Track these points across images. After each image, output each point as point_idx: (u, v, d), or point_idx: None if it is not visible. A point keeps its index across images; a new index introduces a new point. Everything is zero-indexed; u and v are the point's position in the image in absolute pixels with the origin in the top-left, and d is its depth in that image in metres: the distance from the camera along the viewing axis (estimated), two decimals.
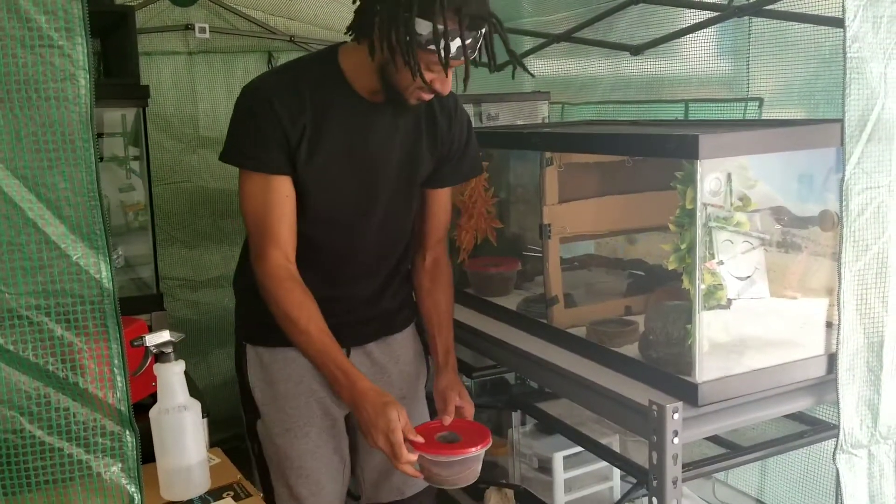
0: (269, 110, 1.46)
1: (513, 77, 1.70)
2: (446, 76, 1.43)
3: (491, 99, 2.40)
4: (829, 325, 1.59)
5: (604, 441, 1.96)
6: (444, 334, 1.70)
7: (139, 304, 2.16)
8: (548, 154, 1.81)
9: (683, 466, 1.44)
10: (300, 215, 1.53)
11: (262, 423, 1.67)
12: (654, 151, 1.57)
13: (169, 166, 3.43)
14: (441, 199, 1.72)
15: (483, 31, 1.41)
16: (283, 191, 1.50)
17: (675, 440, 1.40)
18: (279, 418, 1.64)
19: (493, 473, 2.22)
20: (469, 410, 1.59)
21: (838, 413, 1.51)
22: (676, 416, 1.40)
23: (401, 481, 1.72)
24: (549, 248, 1.84)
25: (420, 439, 1.41)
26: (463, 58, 1.38)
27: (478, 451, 1.46)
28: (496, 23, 1.44)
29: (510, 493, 2.04)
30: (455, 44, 1.36)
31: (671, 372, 1.49)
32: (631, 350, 1.65)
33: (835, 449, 1.52)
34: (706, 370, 1.44)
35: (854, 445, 1.53)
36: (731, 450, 1.64)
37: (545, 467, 2.06)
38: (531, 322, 1.93)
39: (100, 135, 2.44)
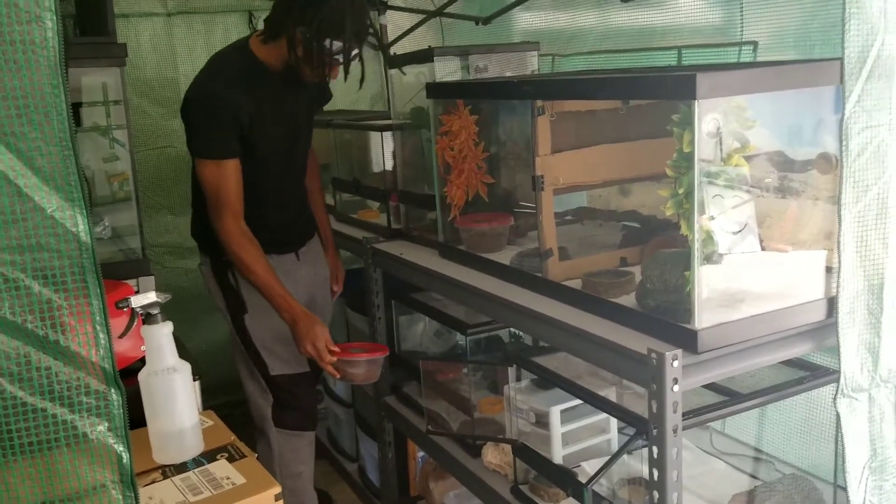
0: (224, 111, 2.07)
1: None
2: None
3: (478, 51, 2.34)
4: (828, 269, 1.56)
5: (601, 393, 1.94)
6: (325, 225, 2.58)
7: (125, 269, 2.12)
8: (539, 103, 1.76)
9: (683, 415, 1.42)
10: (254, 168, 2.16)
11: (249, 316, 2.27)
12: (650, 93, 1.53)
13: (151, 131, 3.37)
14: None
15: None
16: (234, 170, 2.11)
17: (675, 388, 1.38)
18: (263, 304, 2.18)
19: (490, 430, 2.21)
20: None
21: (838, 357, 1.49)
22: (676, 363, 1.37)
23: None
24: (543, 200, 1.80)
25: (337, 349, 2.10)
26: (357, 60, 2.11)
27: (373, 357, 2.14)
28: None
29: (507, 447, 2.02)
30: (354, 52, 2.08)
31: (669, 320, 1.47)
32: (628, 301, 1.62)
33: (835, 393, 1.50)
34: (705, 317, 1.41)
35: (855, 389, 1.52)
36: (728, 397, 1.62)
37: (542, 422, 2.04)
38: (525, 276, 1.90)
39: (79, 103, 2.36)
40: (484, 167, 2.17)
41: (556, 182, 1.80)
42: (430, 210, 2.40)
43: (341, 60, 2.06)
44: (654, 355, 1.39)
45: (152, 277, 2.16)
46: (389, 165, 2.61)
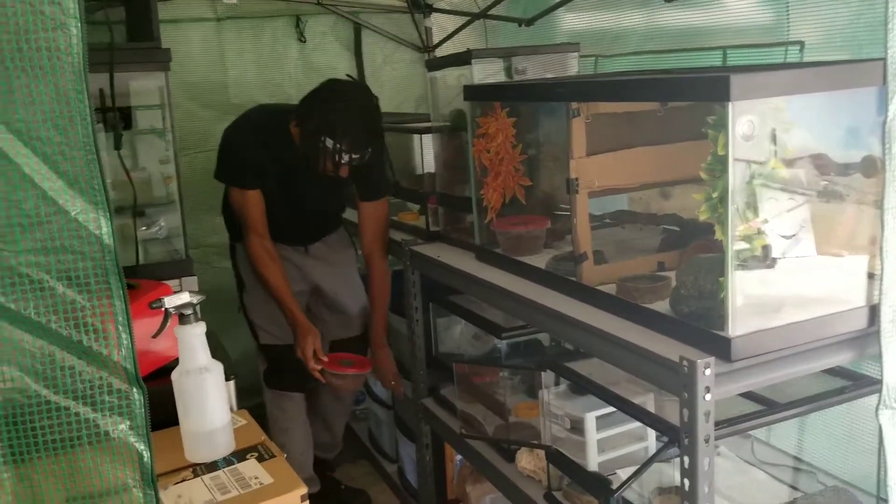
0: (248, 154, 2.43)
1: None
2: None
3: (518, 52, 2.33)
4: (870, 276, 1.51)
5: (637, 400, 1.91)
6: (377, 317, 2.70)
7: (168, 269, 2.16)
8: (574, 105, 1.74)
9: (716, 424, 1.39)
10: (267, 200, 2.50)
11: (246, 293, 2.64)
12: (684, 95, 1.50)
13: (201, 133, 3.43)
14: (365, 212, 2.61)
15: (368, 151, 2.36)
16: (256, 198, 2.46)
17: (707, 396, 1.35)
18: (259, 285, 2.54)
19: (525, 434, 2.19)
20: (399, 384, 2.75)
21: (881, 367, 1.44)
22: (708, 371, 1.34)
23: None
24: (578, 203, 1.78)
25: (325, 359, 2.45)
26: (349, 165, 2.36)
27: (354, 373, 2.50)
28: (378, 147, 2.45)
29: (542, 453, 2.01)
30: (346, 157, 2.32)
31: (703, 327, 1.43)
32: (662, 306, 1.59)
33: (877, 404, 1.45)
34: (739, 324, 1.37)
35: None
36: (767, 407, 1.57)
37: (577, 428, 2.02)
38: (560, 280, 1.88)
39: (130, 106, 2.41)
40: (521, 169, 2.15)
41: (591, 185, 1.78)
42: (468, 213, 2.39)
43: (340, 161, 2.30)
44: (685, 363, 1.36)
45: (195, 278, 2.20)
46: (429, 168, 2.61)
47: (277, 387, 2.64)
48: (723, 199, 1.37)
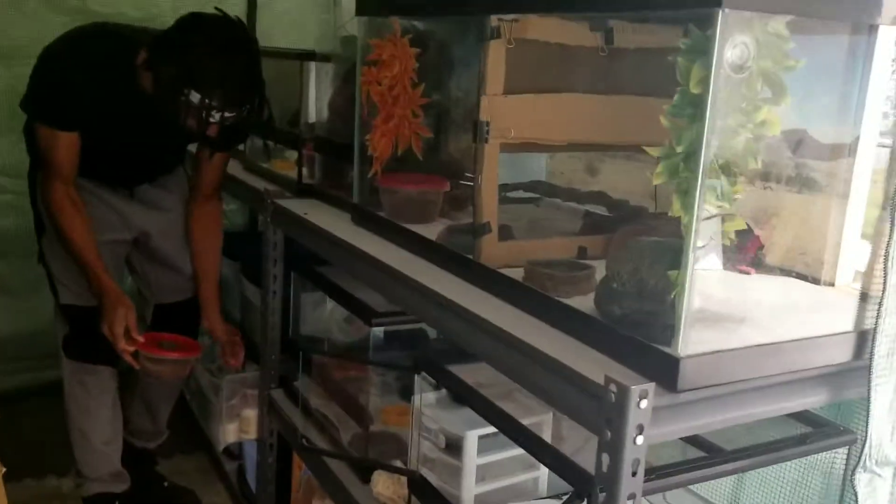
0: (71, 84, 1.85)
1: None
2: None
3: None
4: (862, 295, 1.12)
5: (530, 420, 1.49)
6: (209, 284, 2.19)
7: None
8: (494, 21, 1.29)
9: (645, 476, 0.96)
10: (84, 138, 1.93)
11: (46, 237, 2.08)
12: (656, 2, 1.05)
13: (29, 40, 2.77)
14: (213, 160, 2.07)
15: (245, 108, 1.82)
16: (68, 141, 1.91)
17: (639, 439, 0.92)
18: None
19: (389, 448, 1.74)
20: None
21: (867, 414, 1.06)
22: (644, 403, 0.92)
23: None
24: (486, 156, 1.33)
25: (141, 339, 1.92)
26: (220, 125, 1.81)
27: (176, 358, 2.00)
28: (258, 104, 1.85)
29: (403, 479, 1.56)
30: (217, 115, 1.76)
31: (641, 338, 1.01)
32: (584, 303, 1.17)
33: (856, 464, 1.07)
34: (694, 339, 0.95)
35: (880, 462, 1.09)
36: (705, 451, 1.17)
37: (455, 447, 1.58)
38: (453, 257, 1.43)
39: None
40: (420, 116, 1.69)
41: (505, 133, 1.33)
42: (351, 166, 1.91)
43: (208, 119, 1.77)
44: (613, 388, 0.93)
45: None
46: (310, 107, 2.12)
47: (79, 357, 2.08)
48: (690, 158, 0.95)
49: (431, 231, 1.61)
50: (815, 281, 1.22)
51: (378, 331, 1.69)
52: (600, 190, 1.68)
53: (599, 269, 1.28)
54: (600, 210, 1.68)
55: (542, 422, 1.57)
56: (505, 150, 1.35)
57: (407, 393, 1.91)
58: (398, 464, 1.66)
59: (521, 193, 1.81)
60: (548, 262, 1.32)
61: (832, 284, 1.22)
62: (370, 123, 1.72)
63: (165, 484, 2.44)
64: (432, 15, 1.60)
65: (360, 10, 1.69)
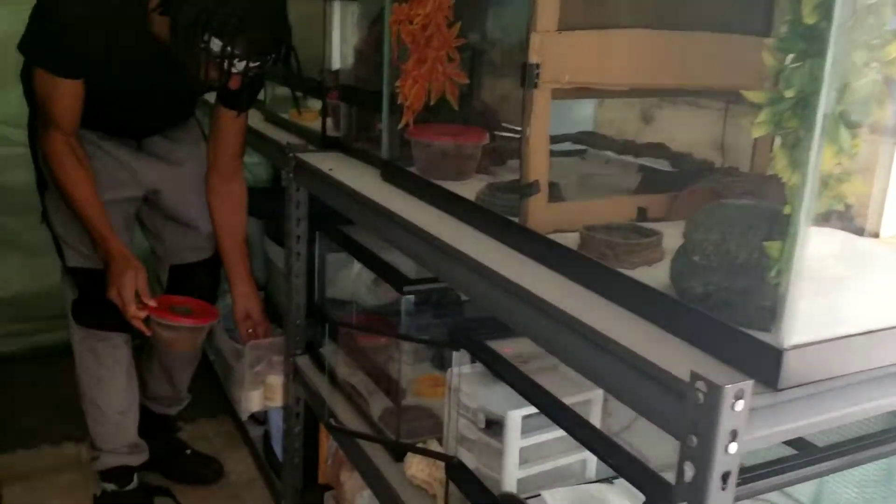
0: (76, 26, 1.66)
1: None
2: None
3: None
4: None
5: (577, 398, 1.34)
6: (234, 257, 2.02)
7: None
8: None
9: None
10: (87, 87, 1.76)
11: (49, 193, 1.92)
12: None
13: None
14: (232, 123, 1.92)
15: (271, 57, 1.66)
16: (71, 89, 1.74)
17: (732, 447, 0.76)
18: None
19: (423, 424, 1.60)
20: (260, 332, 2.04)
21: None
22: (740, 405, 0.75)
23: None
24: (535, 103, 1.15)
25: (153, 303, 1.76)
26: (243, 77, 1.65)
27: (191, 325, 1.81)
28: (285, 52, 1.70)
29: (440, 463, 1.42)
30: (240, 65, 1.61)
31: (731, 322, 0.84)
32: (653, 277, 1.00)
33: None
34: (801, 326, 0.78)
35: None
36: (798, 450, 1.01)
37: (495, 428, 1.44)
38: (496, 220, 1.26)
39: None
40: (457, 59, 1.50)
41: (558, 77, 1.15)
42: (380, 115, 1.74)
43: (230, 69, 1.61)
44: (701, 386, 0.76)
45: None
46: (335, 52, 1.94)
47: (90, 324, 1.95)
48: (803, 104, 0.76)
49: (469, 189, 1.44)
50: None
51: (409, 298, 1.53)
52: (659, 141, 1.49)
53: (667, 235, 1.12)
54: (659, 165, 1.50)
55: (592, 399, 1.42)
56: (557, 97, 1.17)
57: (441, 361, 1.77)
58: (433, 443, 1.52)
59: (568, 146, 1.63)
60: (607, 227, 1.15)
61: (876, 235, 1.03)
62: (400, 68, 1.54)
63: (188, 452, 2.34)
64: None
65: None
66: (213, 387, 2.65)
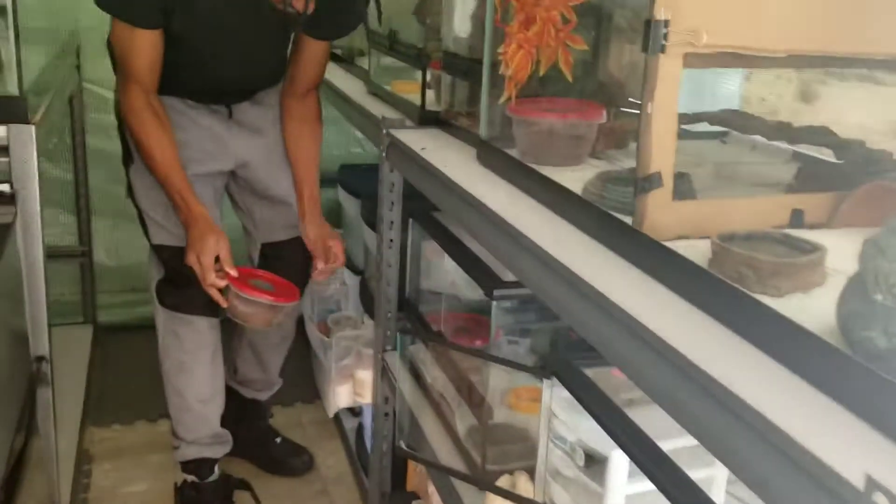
0: None
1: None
2: None
3: None
4: None
5: (698, 473, 1.06)
6: (308, 183, 1.86)
7: None
8: None
9: None
10: (172, 43, 1.66)
11: (134, 167, 1.81)
12: None
13: None
14: (314, 50, 1.80)
15: None
16: (149, 41, 1.63)
17: None
18: None
19: (513, 450, 1.38)
20: (339, 260, 1.88)
21: None
22: None
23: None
24: (662, 71, 0.89)
25: (234, 272, 1.66)
26: None
27: (270, 302, 1.67)
28: None
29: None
30: None
31: None
32: (809, 311, 0.73)
33: None
34: None
35: None
36: None
37: (596, 467, 1.19)
38: (603, 219, 1.01)
39: None
40: (572, 21, 1.25)
41: (693, 39, 0.88)
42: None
43: None
44: (880, 500, 0.50)
45: (31, 128, 1.40)
46: (436, 15, 1.72)
47: (174, 306, 1.84)
48: None
49: (578, 178, 1.20)
50: None
51: (502, 305, 1.31)
52: (823, 126, 1.19)
53: (830, 240, 0.84)
54: (822, 154, 1.19)
55: (713, 477, 1.13)
56: (692, 66, 0.91)
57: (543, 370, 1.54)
58: (523, 478, 1.30)
59: (704, 127, 1.34)
60: (748, 236, 0.88)
61: None
62: (503, 32, 1.31)
63: (278, 440, 2.23)
64: None
65: None
66: (311, 371, 2.53)
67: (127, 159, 1.84)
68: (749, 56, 0.92)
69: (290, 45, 1.84)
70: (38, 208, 1.41)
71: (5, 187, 1.36)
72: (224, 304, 1.68)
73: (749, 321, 0.75)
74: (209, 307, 1.81)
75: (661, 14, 0.87)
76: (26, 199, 1.39)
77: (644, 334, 0.77)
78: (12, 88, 1.39)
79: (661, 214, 0.93)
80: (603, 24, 1.39)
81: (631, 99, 1.43)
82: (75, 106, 2.54)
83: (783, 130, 1.18)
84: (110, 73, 1.80)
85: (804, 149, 1.21)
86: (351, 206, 2.32)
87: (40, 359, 1.48)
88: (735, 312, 0.77)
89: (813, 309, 0.74)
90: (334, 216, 2.58)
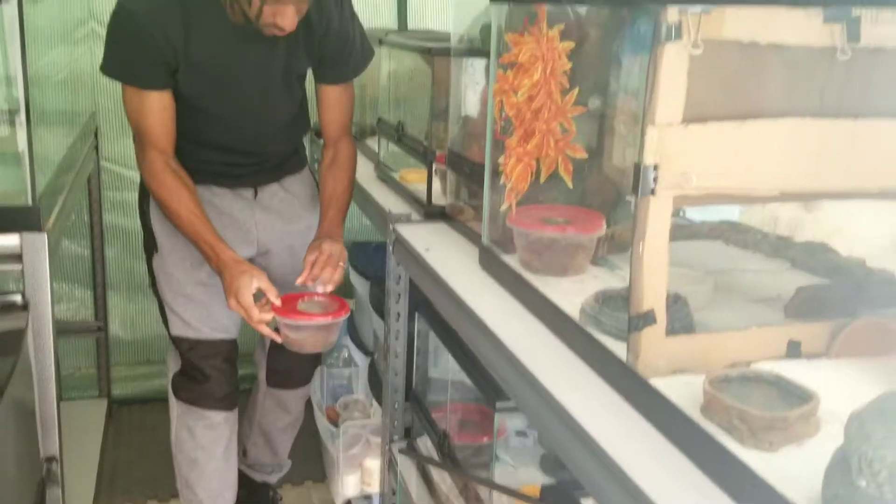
0: (142, 31, 1.56)
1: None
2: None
3: None
4: None
5: None
6: (331, 211, 1.77)
7: None
8: (671, 14, 0.84)
9: None
10: (182, 106, 1.67)
11: (157, 258, 1.81)
12: None
13: None
14: (331, 95, 1.81)
15: None
16: (158, 102, 1.64)
17: None
18: (176, 250, 1.77)
19: None
20: (332, 273, 1.65)
21: None
22: None
23: None
24: (652, 213, 0.90)
25: (278, 301, 1.58)
26: None
27: (322, 321, 1.59)
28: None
29: None
30: None
31: None
32: (801, 469, 0.72)
33: None
34: None
35: None
36: None
37: None
38: (598, 350, 1.01)
39: None
40: (572, 131, 1.27)
41: (682, 182, 0.89)
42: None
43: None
44: None
45: (44, 236, 1.43)
46: (442, 111, 1.75)
47: (189, 400, 1.83)
48: None
49: (579, 290, 1.20)
50: None
51: (504, 417, 1.31)
52: (821, 241, 1.18)
53: (825, 374, 0.84)
54: (820, 270, 1.18)
55: None
56: (681, 205, 0.92)
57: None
58: None
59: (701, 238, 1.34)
60: (742, 378, 0.88)
61: None
62: (502, 142, 1.33)
63: None
64: (584, 2, 1.17)
65: None
66: (321, 450, 2.52)
67: (150, 249, 1.82)
68: (738, 195, 0.93)
69: (302, 93, 1.83)
70: (50, 315, 1.43)
71: (17, 297, 1.39)
72: (278, 339, 1.62)
73: (739, 481, 0.74)
74: (226, 400, 1.80)
75: (650, 160, 0.88)
76: (38, 306, 1.41)
77: (634, 492, 0.77)
78: (26, 198, 1.43)
79: (654, 352, 0.93)
80: (601, 128, 1.41)
81: (629, 198, 1.44)
82: (93, 184, 2.59)
83: (781, 248, 1.18)
84: (126, 150, 1.83)
85: (803, 270, 1.20)
86: (360, 285, 2.33)
87: (50, 459, 1.49)
88: (726, 469, 0.76)
89: (803, 468, 0.74)
90: (346, 293, 2.59)
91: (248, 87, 1.69)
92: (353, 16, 1.75)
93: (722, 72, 0.88)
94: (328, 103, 1.81)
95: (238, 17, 1.54)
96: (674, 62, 0.86)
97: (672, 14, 0.84)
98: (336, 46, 1.71)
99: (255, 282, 1.57)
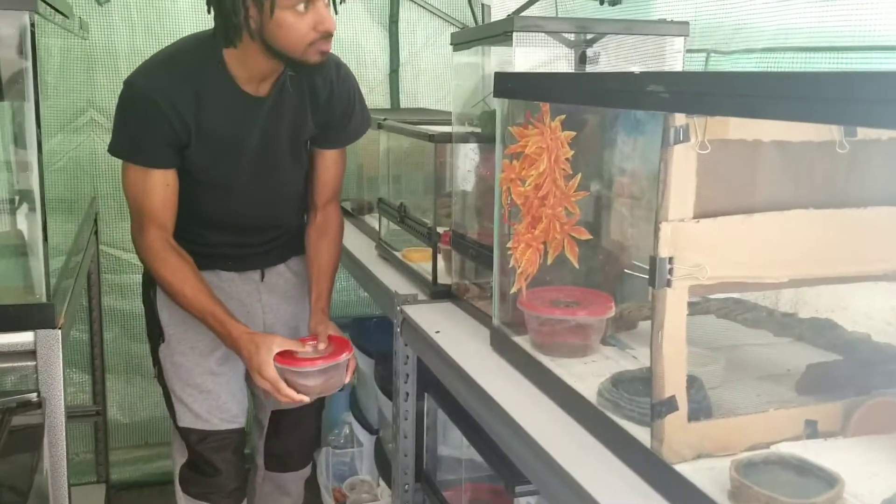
0: (152, 109, 1.54)
1: None
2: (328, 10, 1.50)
3: (591, 28, 1.49)
4: None
5: None
6: (321, 283, 1.77)
7: (8, 317, 1.40)
8: (679, 119, 0.89)
9: None
10: (191, 184, 1.65)
11: (164, 347, 1.78)
12: None
13: None
14: (328, 160, 1.80)
15: None
16: (162, 180, 1.61)
17: None
18: (185, 338, 1.75)
19: None
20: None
21: None
22: None
23: None
24: (669, 303, 0.93)
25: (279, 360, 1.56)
26: None
27: (323, 365, 1.57)
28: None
29: None
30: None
31: None
32: None
33: None
34: None
35: None
36: None
37: None
38: (619, 435, 1.03)
39: None
40: (577, 214, 1.32)
41: (696, 273, 0.93)
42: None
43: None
44: None
45: (58, 333, 1.44)
46: (445, 192, 1.80)
47: (200, 496, 1.79)
48: None
49: (593, 372, 1.23)
50: None
51: (523, 500, 1.31)
52: (826, 317, 1.22)
53: (843, 454, 0.86)
54: (828, 344, 1.22)
55: None
56: (696, 294, 0.95)
57: None
58: None
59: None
60: (766, 462, 0.90)
61: None
62: (511, 228, 1.37)
63: None
64: (593, 103, 1.22)
65: (500, 90, 1.34)
66: None
67: (155, 337, 1.78)
68: (750, 283, 0.97)
69: (308, 161, 1.81)
70: (63, 409, 1.43)
71: (33, 396, 1.39)
72: (306, 399, 1.59)
73: None
74: (236, 494, 1.78)
75: (664, 252, 0.92)
76: (51, 401, 1.41)
77: None
78: (41, 294, 1.44)
79: (678, 437, 0.95)
80: (603, 207, 1.45)
81: (636, 263, 1.48)
82: (92, 268, 2.61)
83: (787, 326, 1.21)
84: (125, 234, 1.81)
85: (809, 347, 1.23)
86: (363, 362, 2.34)
87: None
88: None
89: None
90: None
91: (257, 156, 1.67)
92: (350, 76, 1.74)
93: (729, 168, 0.93)
94: (324, 167, 1.79)
95: (286, 43, 1.49)
96: (683, 162, 0.91)
97: (679, 118, 0.89)
98: (339, 110, 1.71)
99: (274, 348, 1.56)
